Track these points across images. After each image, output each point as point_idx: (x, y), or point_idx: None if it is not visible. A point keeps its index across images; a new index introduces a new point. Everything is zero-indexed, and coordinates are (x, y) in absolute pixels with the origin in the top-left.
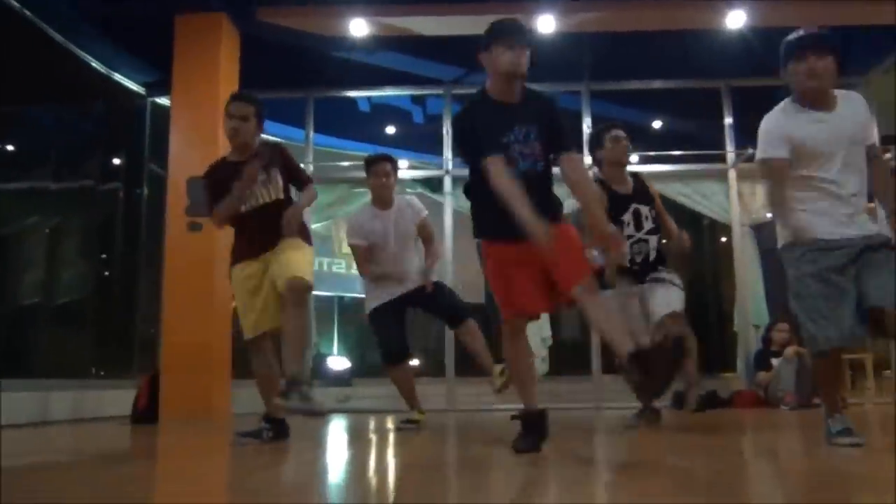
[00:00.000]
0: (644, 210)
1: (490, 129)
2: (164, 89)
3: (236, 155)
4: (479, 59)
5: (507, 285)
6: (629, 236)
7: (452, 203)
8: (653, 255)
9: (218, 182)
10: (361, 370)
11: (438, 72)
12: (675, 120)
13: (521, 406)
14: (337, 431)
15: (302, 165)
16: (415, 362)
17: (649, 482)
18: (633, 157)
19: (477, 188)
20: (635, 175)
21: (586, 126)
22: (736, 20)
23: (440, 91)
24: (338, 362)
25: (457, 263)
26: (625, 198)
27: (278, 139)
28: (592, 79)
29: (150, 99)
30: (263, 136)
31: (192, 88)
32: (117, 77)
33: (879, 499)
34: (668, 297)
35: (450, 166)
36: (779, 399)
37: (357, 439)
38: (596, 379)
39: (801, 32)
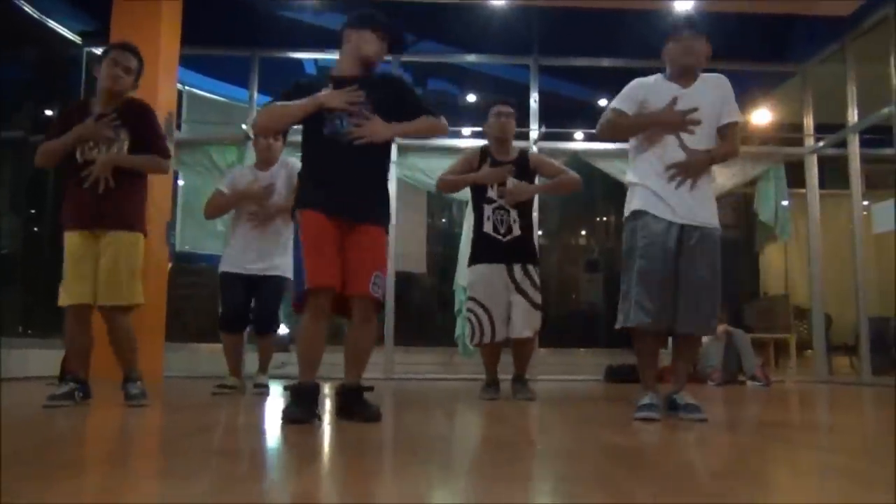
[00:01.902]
0: (511, 182)
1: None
2: (102, 40)
3: (102, 105)
4: (341, 34)
5: (321, 253)
6: (491, 199)
7: (396, 171)
8: (515, 230)
9: (69, 120)
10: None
11: None
12: None
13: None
14: (273, 397)
15: (168, 138)
16: None
17: (577, 449)
18: (579, 135)
19: (303, 156)
20: (524, 154)
21: (533, 101)
22: (684, 3)
23: (388, 57)
24: None
25: (399, 233)
26: (497, 163)
27: (218, 96)
28: (541, 53)
29: (87, 49)
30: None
31: (131, 41)
32: (52, 24)
33: (795, 468)
34: (526, 320)
35: None
36: (706, 375)
37: None
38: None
39: (681, 16)
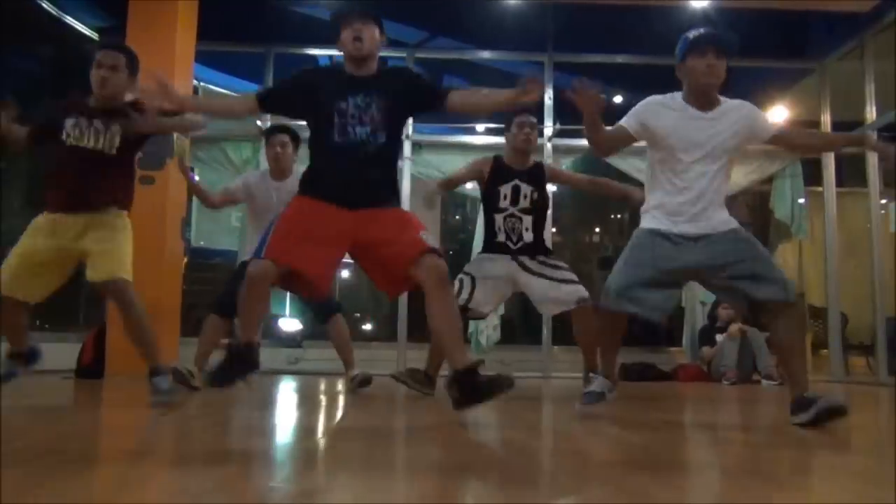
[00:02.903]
0: (525, 189)
1: (328, 92)
2: (118, 36)
3: (100, 105)
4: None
5: (291, 232)
6: (503, 209)
7: (410, 168)
8: (527, 237)
9: (62, 110)
10: (312, 332)
11: (402, 34)
12: (636, 95)
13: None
14: (286, 392)
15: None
16: (367, 326)
17: (590, 448)
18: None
19: (312, 158)
20: (539, 164)
21: (547, 97)
22: (700, 0)
23: (403, 54)
24: (289, 324)
25: None
26: (511, 171)
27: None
28: (556, 50)
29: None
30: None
31: (148, 37)
32: (68, 20)
33: (806, 469)
34: (560, 296)
35: (409, 130)
36: (721, 374)
37: (305, 400)
38: (545, 348)
39: (703, 30)
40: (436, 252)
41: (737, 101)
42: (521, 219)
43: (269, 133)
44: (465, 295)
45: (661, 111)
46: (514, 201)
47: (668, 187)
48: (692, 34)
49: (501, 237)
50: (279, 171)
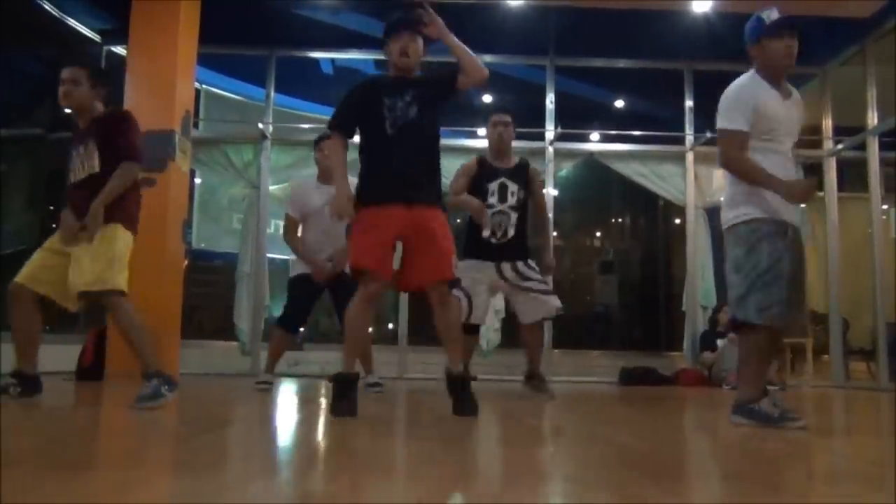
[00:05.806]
0: (512, 186)
1: (386, 92)
2: (121, 38)
3: (79, 121)
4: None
5: (375, 244)
6: (490, 206)
7: None
8: (511, 233)
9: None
10: (312, 335)
11: None
12: (637, 100)
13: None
14: (286, 395)
15: (134, 140)
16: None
17: (590, 451)
18: (595, 136)
19: (369, 152)
20: (524, 163)
21: (549, 101)
22: (701, 4)
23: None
24: None
25: None
26: (496, 170)
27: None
28: (557, 54)
29: (106, 47)
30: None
31: (150, 39)
32: (71, 22)
33: (795, 467)
34: (532, 308)
35: None
36: (722, 379)
37: (305, 403)
38: (547, 352)
39: (777, 14)
40: (450, 281)
41: (796, 91)
42: (508, 215)
43: (320, 138)
44: (464, 312)
45: (752, 96)
46: (503, 199)
47: (766, 165)
48: (767, 17)
49: (486, 233)
50: (326, 174)
